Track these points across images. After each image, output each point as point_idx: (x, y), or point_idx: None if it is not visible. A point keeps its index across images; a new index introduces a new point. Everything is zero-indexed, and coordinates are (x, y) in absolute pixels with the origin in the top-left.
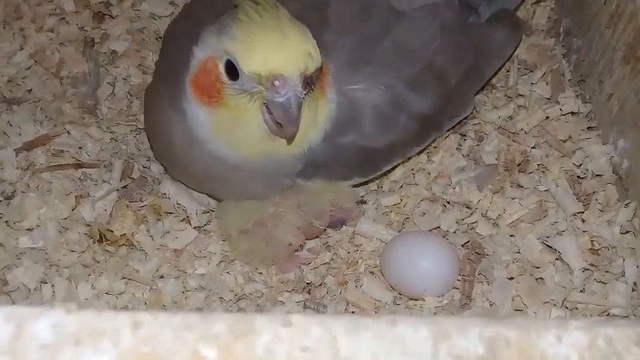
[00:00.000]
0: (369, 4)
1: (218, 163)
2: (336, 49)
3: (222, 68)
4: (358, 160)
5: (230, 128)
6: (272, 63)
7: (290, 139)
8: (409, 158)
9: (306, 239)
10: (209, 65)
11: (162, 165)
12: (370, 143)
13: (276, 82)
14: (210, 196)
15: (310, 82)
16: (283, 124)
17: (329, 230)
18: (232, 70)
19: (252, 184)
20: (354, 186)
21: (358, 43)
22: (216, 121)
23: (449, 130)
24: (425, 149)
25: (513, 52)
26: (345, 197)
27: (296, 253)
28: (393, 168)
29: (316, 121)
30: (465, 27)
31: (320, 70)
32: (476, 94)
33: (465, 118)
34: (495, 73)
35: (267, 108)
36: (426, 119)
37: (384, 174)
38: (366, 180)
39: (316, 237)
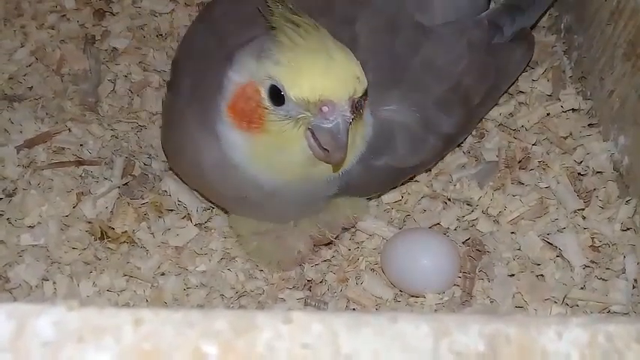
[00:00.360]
0: (394, 18)
1: (253, 187)
2: (368, 69)
3: (265, 94)
4: (390, 180)
5: (271, 154)
6: (321, 88)
7: (338, 166)
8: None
9: (317, 246)
10: (249, 91)
11: (183, 181)
12: (402, 164)
13: (325, 108)
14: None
15: (359, 106)
16: (331, 150)
17: None
18: (277, 96)
19: (286, 208)
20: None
21: (389, 62)
22: (255, 147)
23: None
24: None
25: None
26: (360, 211)
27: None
28: None
29: (355, 144)
30: (490, 47)
31: (366, 93)
32: None
33: None
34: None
35: (312, 133)
36: (450, 138)
37: None
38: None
39: (324, 245)
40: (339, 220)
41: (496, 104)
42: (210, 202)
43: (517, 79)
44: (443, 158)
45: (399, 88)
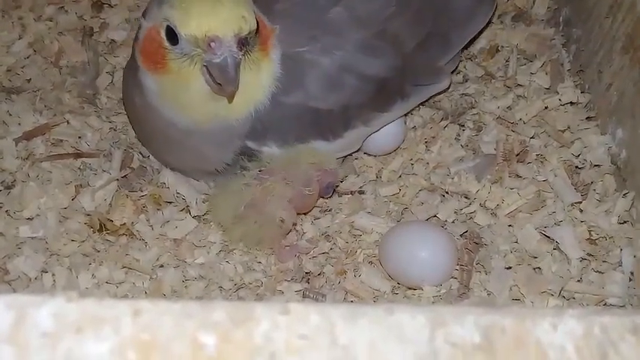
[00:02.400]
0: None
1: (172, 128)
2: (285, 16)
3: (163, 34)
4: (309, 120)
5: (176, 92)
6: (207, 26)
7: (230, 98)
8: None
9: (302, 212)
10: (152, 34)
11: (137, 137)
12: (318, 104)
13: (212, 44)
14: (179, 171)
15: (246, 42)
16: (222, 83)
17: (326, 220)
18: (172, 36)
19: (206, 148)
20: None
21: (307, 9)
22: (163, 87)
23: (426, 102)
24: (425, 142)
25: (489, 21)
26: (324, 159)
27: (295, 243)
28: (376, 155)
29: (260, 82)
30: None
31: (256, 32)
32: (454, 71)
33: (440, 93)
34: (487, 57)
35: (208, 70)
36: (382, 83)
37: (379, 164)
38: (334, 147)
39: (311, 209)
40: (308, 173)
41: (459, 52)
42: (154, 155)
43: (483, 29)
44: (406, 111)
45: (314, 32)
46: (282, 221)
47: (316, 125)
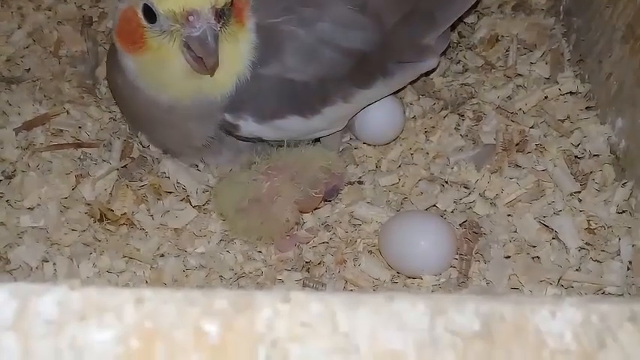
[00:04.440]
0: None
1: (154, 106)
2: None
3: (140, 13)
4: (285, 93)
5: (156, 71)
6: (184, 0)
7: (212, 72)
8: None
9: (304, 212)
10: (129, 14)
11: (126, 123)
12: (295, 75)
13: (190, 17)
14: (167, 150)
15: (223, 14)
16: (203, 56)
17: (326, 210)
18: (150, 14)
19: (190, 124)
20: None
21: None
22: (142, 66)
23: (412, 83)
24: (425, 131)
25: (476, 3)
26: (334, 162)
27: (295, 232)
28: (374, 145)
29: (239, 53)
30: None
31: (231, 3)
32: (443, 54)
33: (427, 74)
34: (487, 47)
35: (188, 47)
36: (361, 57)
37: (379, 153)
38: (311, 125)
39: (314, 209)
40: (316, 175)
41: (448, 32)
42: (145, 137)
43: (470, 11)
44: (391, 90)
45: (289, 3)
46: (287, 221)
47: (293, 99)
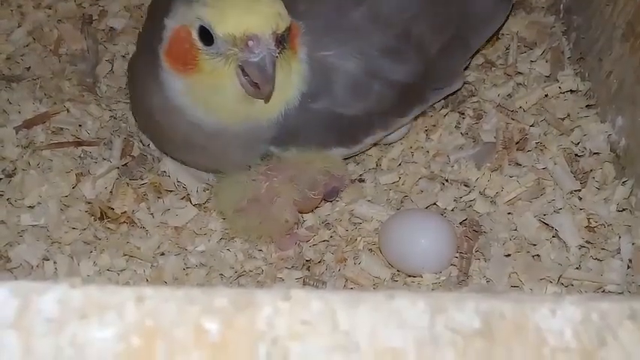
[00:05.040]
0: None
1: (196, 130)
2: (309, 17)
3: (195, 35)
4: (333, 127)
5: (207, 94)
6: (245, 24)
7: (267, 99)
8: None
9: (303, 212)
10: (182, 34)
11: (146, 136)
12: (344, 110)
13: (250, 42)
14: (195, 167)
15: (282, 40)
16: (260, 83)
17: (326, 208)
18: (206, 36)
19: (230, 151)
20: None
21: (331, 10)
22: (192, 88)
23: (436, 103)
24: (425, 130)
25: (504, 23)
26: (334, 165)
27: (295, 231)
28: (376, 144)
29: (291, 81)
30: None
31: (289, 29)
32: (465, 68)
33: (454, 93)
34: (485, 44)
35: (243, 70)
36: (405, 89)
37: (379, 152)
38: (349, 152)
39: (313, 210)
40: (316, 177)
41: (473, 59)
42: (172, 156)
43: (498, 31)
44: (417, 117)
45: (340, 35)
46: (286, 222)
47: (339, 132)
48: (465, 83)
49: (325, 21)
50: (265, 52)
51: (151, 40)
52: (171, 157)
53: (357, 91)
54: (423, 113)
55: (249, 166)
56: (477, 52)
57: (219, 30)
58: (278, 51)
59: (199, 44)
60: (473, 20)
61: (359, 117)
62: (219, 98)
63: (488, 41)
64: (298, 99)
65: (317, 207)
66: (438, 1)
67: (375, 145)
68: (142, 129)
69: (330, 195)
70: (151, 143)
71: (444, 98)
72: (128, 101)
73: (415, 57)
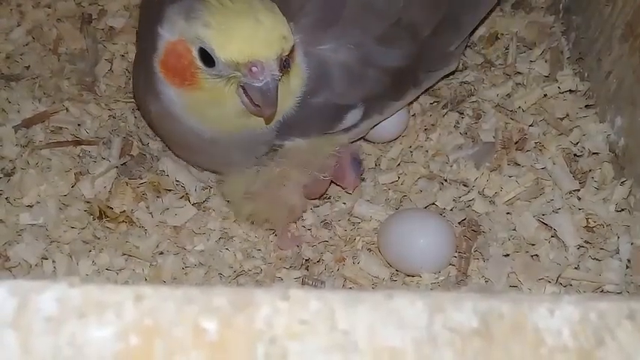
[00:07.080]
0: None
1: (194, 136)
2: (302, 14)
3: (196, 54)
4: (332, 115)
5: (206, 108)
6: (249, 51)
7: (269, 121)
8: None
9: (313, 198)
10: (180, 48)
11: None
12: (343, 100)
13: (254, 69)
14: (199, 167)
15: (286, 64)
16: (262, 106)
17: (326, 208)
18: (207, 58)
19: (231, 154)
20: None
21: (324, 5)
22: (190, 102)
23: (431, 87)
24: (425, 129)
25: (498, 3)
26: (342, 143)
27: (300, 234)
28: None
29: (291, 89)
30: None
31: (293, 47)
32: (463, 53)
33: (447, 76)
34: (485, 44)
35: (244, 89)
36: (399, 73)
37: (378, 152)
38: (347, 138)
39: (321, 196)
40: (325, 161)
41: (468, 35)
42: (179, 156)
43: (492, 10)
44: (415, 97)
45: (335, 29)
46: (294, 207)
47: (338, 119)
48: (463, 83)
49: (319, 16)
50: (269, 78)
51: (145, 46)
52: (176, 156)
53: (355, 81)
54: (423, 112)
55: (257, 158)
56: (473, 31)
57: (222, 55)
58: (282, 74)
59: (200, 64)
60: (466, 0)
61: (355, 104)
62: (218, 113)
63: (482, 22)
64: (299, 99)
65: (326, 190)
66: None
67: (372, 128)
68: (148, 125)
69: (356, 166)
70: (150, 142)
71: (441, 79)
72: (127, 100)
73: (408, 40)
